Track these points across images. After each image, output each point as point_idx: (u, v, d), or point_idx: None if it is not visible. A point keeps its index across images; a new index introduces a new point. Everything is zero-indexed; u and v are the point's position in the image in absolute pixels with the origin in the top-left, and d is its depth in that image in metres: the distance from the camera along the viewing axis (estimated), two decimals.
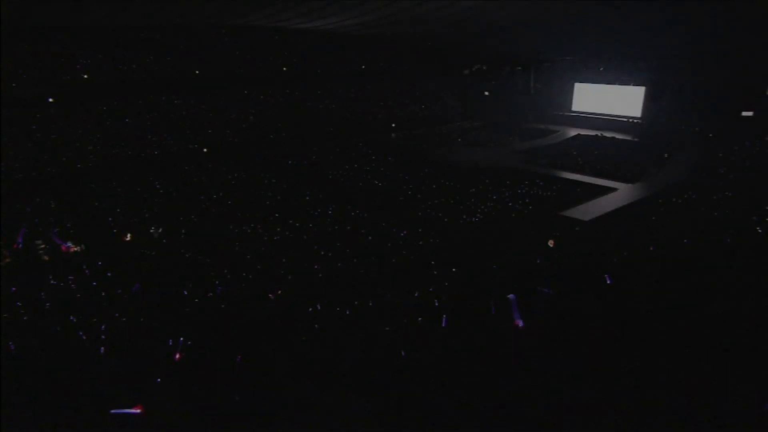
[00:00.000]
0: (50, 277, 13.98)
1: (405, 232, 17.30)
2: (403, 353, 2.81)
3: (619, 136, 30.81)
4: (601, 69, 32.23)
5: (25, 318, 11.36)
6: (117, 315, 11.67)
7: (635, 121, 33.26)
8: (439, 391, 2.23)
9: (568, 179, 22.93)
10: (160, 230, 17.38)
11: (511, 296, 3.48)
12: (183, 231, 17.44)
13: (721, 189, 18.84)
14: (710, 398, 1.70)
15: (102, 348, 8.18)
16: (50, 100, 25.07)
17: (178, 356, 3.73)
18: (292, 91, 34.62)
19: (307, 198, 21.29)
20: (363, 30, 35.35)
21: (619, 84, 34.25)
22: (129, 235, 17.14)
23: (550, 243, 13.95)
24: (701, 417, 1.66)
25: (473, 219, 18.24)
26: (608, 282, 2.44)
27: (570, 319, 2.18)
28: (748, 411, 1.66)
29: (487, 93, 38.55)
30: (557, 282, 3.53)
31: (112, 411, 2.40)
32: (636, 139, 30.27)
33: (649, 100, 32.34)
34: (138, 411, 2.43)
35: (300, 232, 17.49)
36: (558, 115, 37.36)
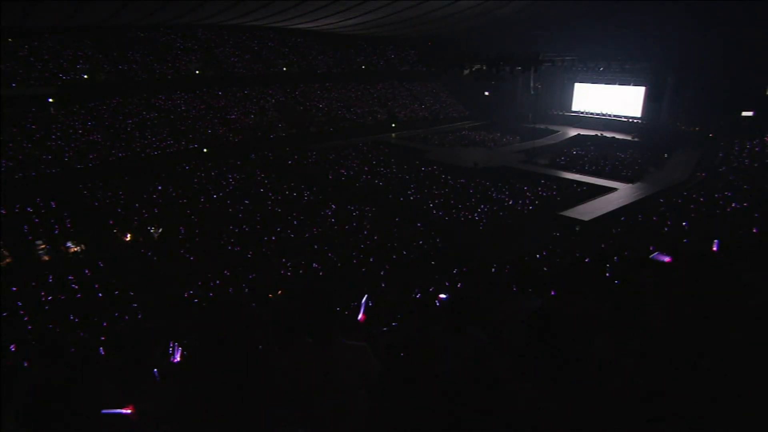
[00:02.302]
0: (50, 277, 13.99)
1: (405, 232, 17.30)
2: (401, 354, 2.81)
3: (619, 136, 30.79)
4: (601, 69, 32.21)
5: (25, 318, 11.37)
6: (117, 315, 11.69)
7: (635, 121, 33.27)
8: (437, 391, 2.22)
9: (568, 179, 22.92)
10: (160, 230, 17.38)
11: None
12: (183, 231, 17.43)
13: (721, 189, 18.83)
14: (714, 403, 1.69)
15: (102, 348, 8.19)
16: (50, 100, 25.06)
17: (178, 358, 3.73)
18: (292, 91, 34.62)
19: (307, 198, 21.29)
20: (363, 30, 35.41)
21: (619, 84, 34.26)
22: (129, 235, 17.14)
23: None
24: (704, 422, 1.65)
25: (473, 219, 18.23)
26: (615, 282, 2.45)
27: (569, 320, 2.17)
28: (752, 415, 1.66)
29: (487, 93, 38.53)
30: (556, 282, 3.53)
31: (103, 411, 2.39)
32: (636, 139, 30.25)
33: (649, 100, 32.32)
34: (129, 411, 2.41)
35: (300, 232, 17.49)
36: (558, 115, 37.36)
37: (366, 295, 3.87)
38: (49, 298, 12.62)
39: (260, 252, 15.87)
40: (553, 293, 3.38)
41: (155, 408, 2.51)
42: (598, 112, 35.60)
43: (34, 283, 13.36)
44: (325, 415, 2.07)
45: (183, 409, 2.40)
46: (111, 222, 17.95)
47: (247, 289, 13.17)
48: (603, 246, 13.82)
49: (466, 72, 32.34)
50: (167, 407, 2.49)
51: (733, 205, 15.98)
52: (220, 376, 2.23)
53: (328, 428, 2.07)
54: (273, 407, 2.10)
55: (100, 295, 13.02)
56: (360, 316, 3.71)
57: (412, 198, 20.89)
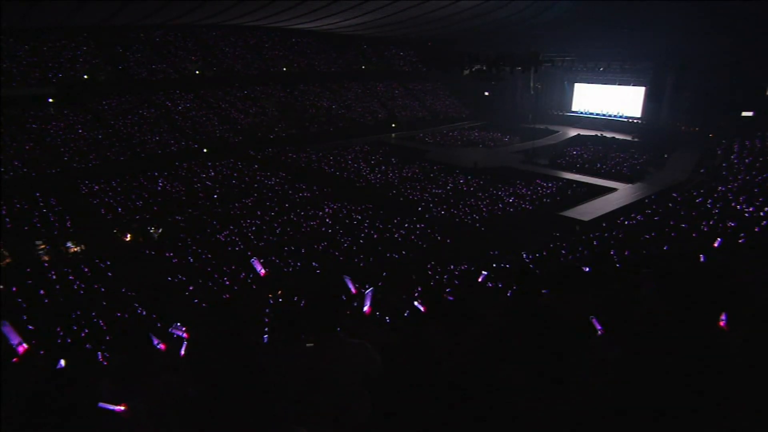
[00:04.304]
0: (50, 277, 13.99)
1: (405, 231, 17.30)
2: (400, 353, 2.81)
3: (619, 136, 30.79)
4: (601, 69, 32.22)
5: (24, 317, 11.37)
6: (119, 315, 11.70)
7: (635, 121, 33.26)
8: (435, 390, 2.23)
9: (568, 179, 22.92)
10: (160, 230, 17.38)
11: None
12: (182, 230, 17.43)
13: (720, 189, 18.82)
14: (715, 406, 1.70)
15: (101, 348, 8.19)
16: (50, 100, 25.06)
17: (183, 351, 3.74)
18: (292, 91, 34.62)
19: (307, 198, 21.29)
20: (363, 30, 35.42)
21: (619, 84, 34.25)
22: (129, 236, 17.15)
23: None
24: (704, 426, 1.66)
25: (473, 219, 18.23)
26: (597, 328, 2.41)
27: (567, 320, 2.18)
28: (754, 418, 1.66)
29: (487, 93, 38.54)
30: (556, 283, 3.54)
31: (100, 404, 2.39)
32: (636, 140, 30.24)
33: (649, 100, 32.32)
34: (122, 408, 2.41)
35: (300, 231, 17.49)
36: (558, 115, 37.35)
37: (371, 288, 3.88)
38: (46, 300, 12.63)
39: (260, 251, 15.86)
40: (551, 293, 3.39)
41: (150, 406, 2.51)
42: (598, 112, 35.60)
43: (29, 281, 13.36)
44: (325, 414, 2.07)
45: (184, 407, 2.40)
46: (110, 217, 17.95)
47: (247, 289, 13.16)
48: (597, 245, 13.81)
49: (466, 72, 32.35)
50: (164, 405, 2.49)
51: (732, 204, 15.98)
52: (221, 374, 2.23)
53: (328, 427, 2.08)
54: (273, 405, 2.10)
55: (102, 291, 13.03)
56: (366, 308, 3.73)
57: (411, 197, 20.89)
